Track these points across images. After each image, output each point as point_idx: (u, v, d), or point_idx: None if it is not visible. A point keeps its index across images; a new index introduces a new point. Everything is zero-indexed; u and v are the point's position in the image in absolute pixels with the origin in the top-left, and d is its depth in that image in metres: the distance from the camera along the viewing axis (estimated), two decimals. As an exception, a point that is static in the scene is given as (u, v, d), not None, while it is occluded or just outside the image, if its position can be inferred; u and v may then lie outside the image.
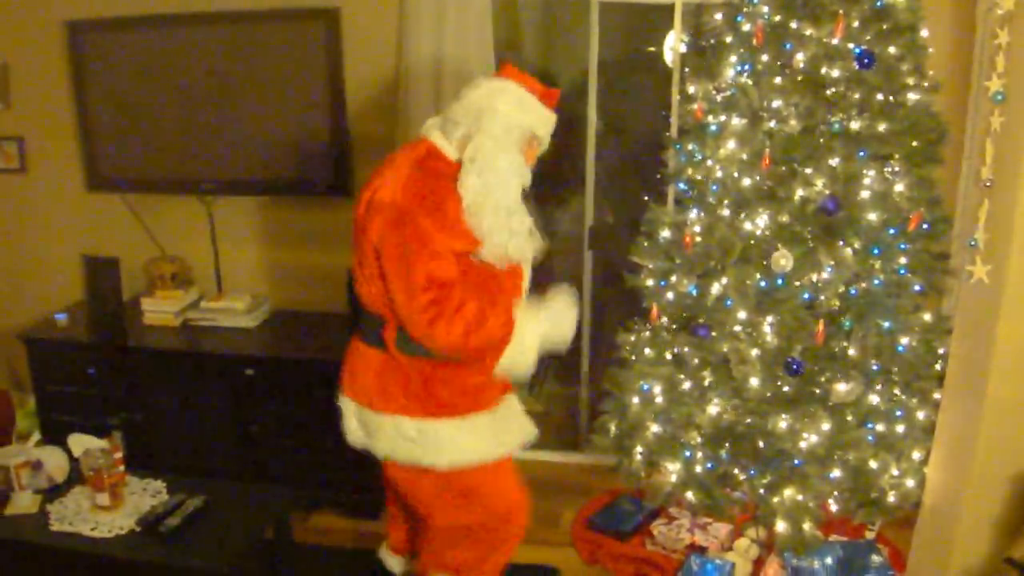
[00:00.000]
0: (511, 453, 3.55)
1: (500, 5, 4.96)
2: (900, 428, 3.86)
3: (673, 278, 4.03)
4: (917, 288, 3.79)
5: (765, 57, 3.79)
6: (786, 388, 3.85)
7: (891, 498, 3.89)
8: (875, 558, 4.12)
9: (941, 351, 3.88)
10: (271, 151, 4.97)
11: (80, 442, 3.92)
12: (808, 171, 3.70)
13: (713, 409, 3.95)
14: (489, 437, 3.45)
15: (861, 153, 3.68)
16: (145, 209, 5.35)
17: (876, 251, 3.71)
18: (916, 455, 3.89)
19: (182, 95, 5.00)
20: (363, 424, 3.51)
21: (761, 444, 3.89)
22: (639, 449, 4.16)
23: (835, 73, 3.67)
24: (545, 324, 3.38)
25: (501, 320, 3.28)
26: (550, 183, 5.95)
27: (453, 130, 3.28)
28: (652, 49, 5.66)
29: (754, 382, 3.85)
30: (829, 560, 4.08)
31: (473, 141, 3.22)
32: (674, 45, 4.76)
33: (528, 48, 6.12)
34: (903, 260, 3.75)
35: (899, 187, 3.71)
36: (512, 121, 3.25)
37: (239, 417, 4.80)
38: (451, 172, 3.21)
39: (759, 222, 3.81)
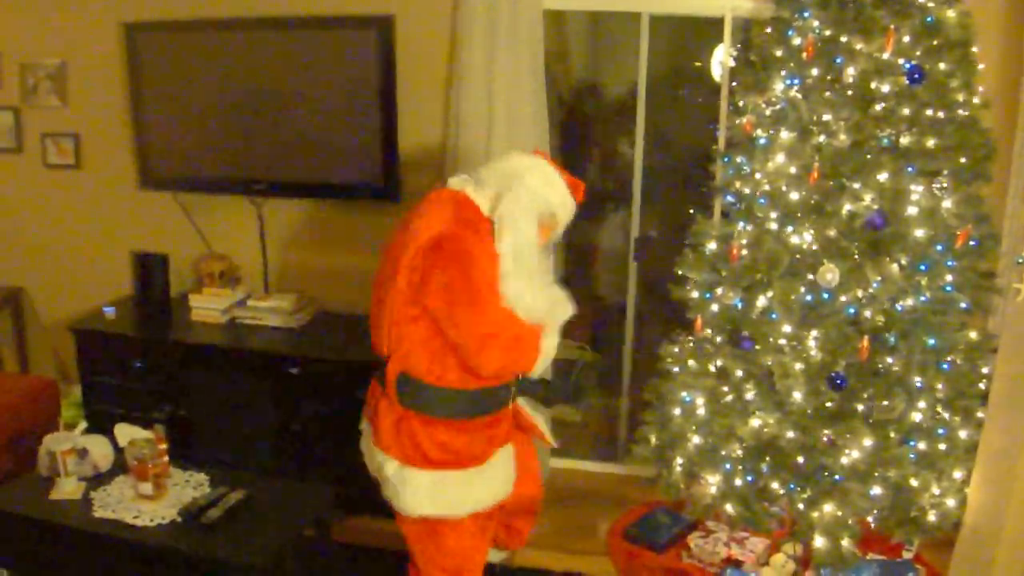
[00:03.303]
0: (478, 510, 3.56)
1: (550, 17, 4.99)
2: (942, 446, 3.81)
3: (719, 290, 4.02)
4: (963, 306, 3.76)
5: (815, 71, 3.79)
6: (829, 403, 3.83)
7: (931, 517, 3.84)
8: (912, 578, 4.11)
9: (986, 370, 3.85)
10: (321, 155, 5.02)
11: (126, 432, 3.97)
12: (856, 186, 3.69)
13: (755, 422, 3.93)
14: (459, 493, 3.49)
15: (909, 169, 3.66)
16: (195, 208, 5.42)
17: (923, 267, 3.69)
18: (957, 474, 3.84)
19: (235, 97, 5.07)
20: (368, 449, 3.62)
21: (802, 459, 3.87)
22: (679, 460, 4.14)
23: (885, 88, 3.66)
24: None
25: (531, 341, 3.35)
26: (597, 195, 6.01)
27: (483, 187, 3.37)
28: (699, 64, 5.67)
29: (797, 396, 3.83)
30: (865, 578, 4.07)
31: (502, 201, 3.30)
32: (723, 59, 4.77)
33: (576, 60, 6.15)
34: (950, 277, 3.73)
35: (947, 203, 3.69)
36: (538, 193, 3.33)
37: (282, 415, 4.85)
38: (485, 224, 3.31)
39: (806, 236, 3.79)
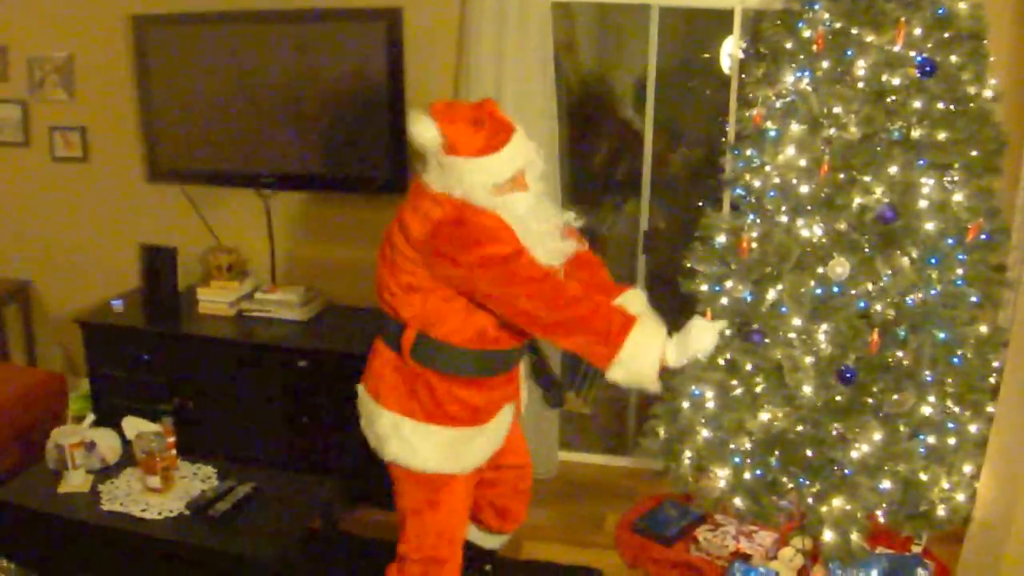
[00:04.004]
0: (478, 464, 3.53)
1: (559, 9, 4.97)
2: (952, 441, 3.81)
3: (728, 283, 4.01)
4: (974, 299, 3.75)
5: (826, 64, 3.76)
6: (839, 397, 3.82)
7: (940, 512, 3.84)
8: (920, 572, 4.09)
9: (996, 364, 3.84)
10: (330, 147, 5.01)
11: (134, 425, 3.97)
12: (867, 179, 3.67)
13: (764, 416, 3.92)
14: (469, 448, 3.47)
15: (920, 162, 3.65)
16: (203, 201, 5.41)
17: (933, 261, 3.67)
18: (967, 469, 3.84)
19: (243, 90, 5.06)
20: (365, 413, 3.55)
21: (811, 453, 3.86)
22: (688, 454, 4.14)
23: (896, 81, 3.64)
24: (671, 348, 3.22)
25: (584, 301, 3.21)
26: (606, 188, 6.00)
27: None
28: (707, 56, 5.65)
29: (807, 390, 3.82)
30: (874, 573, 4.05)
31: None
32: (733, 51, 4.75)
33: (585, 52, 6.13)
34: (960, 271, 3.71)
35: (958, 197, 3.67)
36: (479, 187, 3.19)
37: (290, 408, 4.86)
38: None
39: (816, 229, 3.78)
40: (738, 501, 4.02)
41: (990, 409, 3.82)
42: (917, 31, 3.63)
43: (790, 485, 3.95)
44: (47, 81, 5.51)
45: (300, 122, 5.02)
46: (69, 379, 5.37)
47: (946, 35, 3.64)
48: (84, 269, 5.78)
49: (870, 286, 3.72)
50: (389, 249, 3.35)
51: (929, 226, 3.65)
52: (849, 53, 3.71)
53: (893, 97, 3.66)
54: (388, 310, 3.41)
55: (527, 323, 3.21)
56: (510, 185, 3.22)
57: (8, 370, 5.35)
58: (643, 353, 3.16)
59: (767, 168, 3.89)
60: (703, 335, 3.24)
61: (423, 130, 3.16)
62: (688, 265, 4.12)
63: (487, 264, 3.13)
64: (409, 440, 3.40)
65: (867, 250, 3.71)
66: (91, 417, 4.24)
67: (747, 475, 3.99)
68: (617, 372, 3.19)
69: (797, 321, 3.81)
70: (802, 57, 3.83)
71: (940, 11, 3.62)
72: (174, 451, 3.89)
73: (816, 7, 3.78)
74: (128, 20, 5.19)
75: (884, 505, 3.82)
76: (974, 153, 3.69)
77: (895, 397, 3.73)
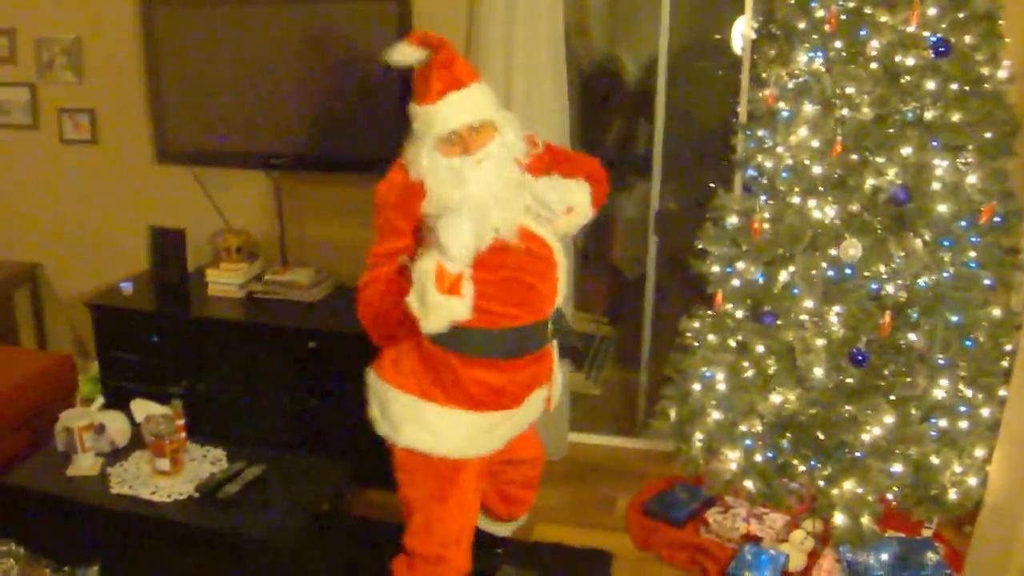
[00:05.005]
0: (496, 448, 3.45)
1: (570, -11, 4.95)
2: (964, 424, 3.80)
3: (740, 265, 4.00)
4: (987, 282, 3.73)
5: (839, 44, 3.75)
6: (850, 379, 3.82)
7: (952, 495, 3.83)
8: (931, 556, 4.07)
9: (1009, 347, 3.83)
10: (339, 129, 4.98)
11: (143, 408, 3.98)
12: (880, 160, 3.66)
13: (776, 398, 3.92)
14: (491, 433, 3.39)
15: (934, 143, 3.63)
16: (212, 182, 5.39)
17: (946, 243, 3.66)
18: (979, 452, 3.83)
19: (252, 71, 5.02)
20: (376, 399, 3.49)
21: (822, 435, 3.86)
22: (699, 436, 4.14)
23: (910, 61, 3.63)
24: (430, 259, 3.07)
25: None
26: (617, 169, 5.98)
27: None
28: (719, 36, 5.62)
29: (818, 372, 3.81)
30: (885, 556, 4.04)
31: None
32: (744, 31, 4.72)
33: (596, 33, 6.10)
34: (973, 253, 3.70)
35: (971, 179, 3.66)
36: (422, 134, 3.22)
37: (299, 389, 4.84)
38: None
39: (829, 210, 3.77)
40: (749, 483, 4.02)
41: (1002, 392, 3.80)
42: (931, 11, 3.61)
43: (801, 468, 3.95)
44: (55, 63, 5.50)
45: (310, 103, 5.00)
46: (78, 362, 5.37)
47: (960, 15, 3.63)
48: (93, 251, 5.78)
49: (882, 268, 3.71)
50: None
51: (942, 208, 3.63)
52: (863, 33, 3.70)
53: (907, 78, 3.65)
54: None
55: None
56: (456, 146, 3.17)
57: (17, 353, 5.35)
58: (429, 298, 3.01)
59: (779, 149, 3.89)
60: (451, 233, 3.01)
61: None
62: (700, 246, 4.12)
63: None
64: (432, 425, 3.31)
65: (880, 232, 3.71)
66: (100, 400, 4.25)
67: (758, 457, 3.99)
68: (431, 323, 3.05)
69: (809, 303, 3.80)
70: (815, 37, 3.81)
71: (954, -10, 3.61)
72: (183, 434, 3.88)
73: (829, -14, 3.76)
74: (136, 1, 5.16)
75: (895, 488, 3.82)
76: (988, 135, 3.68)
77: (907, 380, 3.73)
